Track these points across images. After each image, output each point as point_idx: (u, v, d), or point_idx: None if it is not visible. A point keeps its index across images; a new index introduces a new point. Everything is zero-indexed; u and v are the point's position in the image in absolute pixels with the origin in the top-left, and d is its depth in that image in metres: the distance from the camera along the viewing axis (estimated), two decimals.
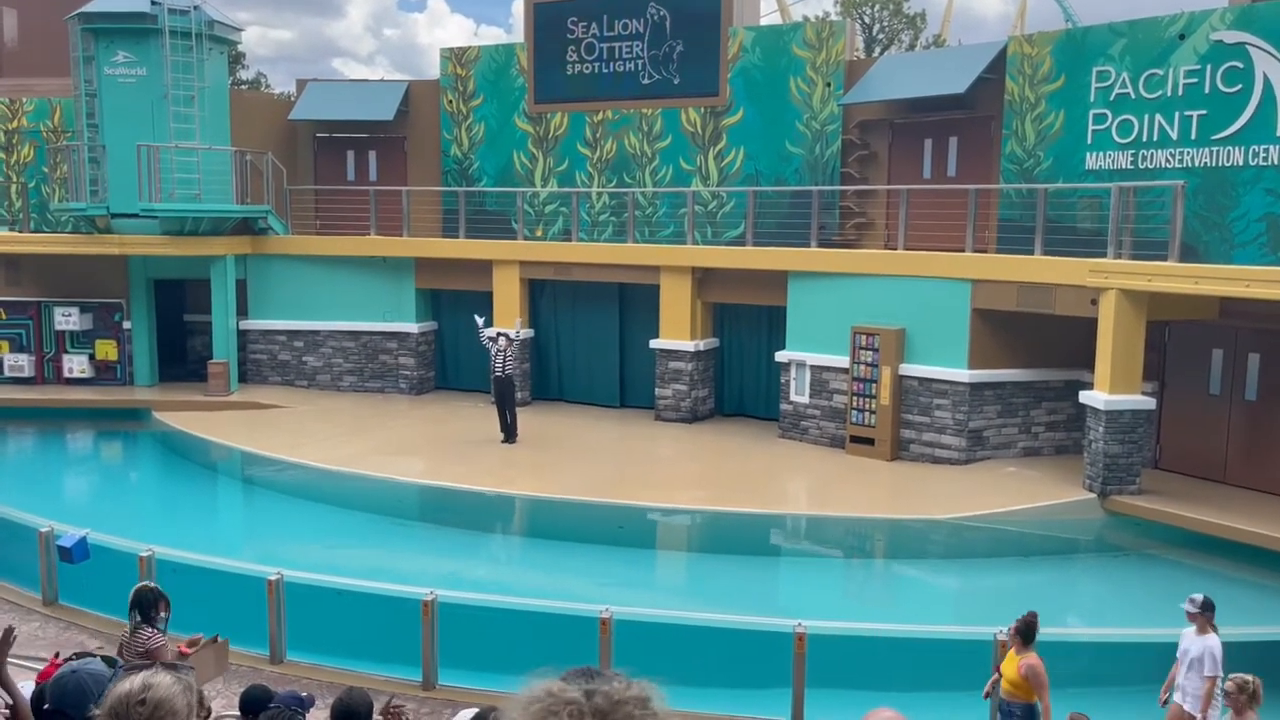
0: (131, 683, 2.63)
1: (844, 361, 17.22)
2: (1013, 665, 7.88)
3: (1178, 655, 8.24)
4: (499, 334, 18.35)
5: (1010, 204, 17.11)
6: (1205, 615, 8.10)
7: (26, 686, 4.99)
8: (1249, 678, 7.18)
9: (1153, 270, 13.73)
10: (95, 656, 3.50)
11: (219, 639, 8.03)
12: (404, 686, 9.87)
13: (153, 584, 7.59)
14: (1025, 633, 7.90)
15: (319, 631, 10.56)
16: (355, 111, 22.73)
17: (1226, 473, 15.01)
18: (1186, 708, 8.08)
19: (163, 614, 7.22)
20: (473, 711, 5.42)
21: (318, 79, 24.94)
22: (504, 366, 17.97)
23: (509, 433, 17.88)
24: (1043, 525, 14.07)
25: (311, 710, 5.95)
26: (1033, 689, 7.77)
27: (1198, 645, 8.04)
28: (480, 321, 18.73)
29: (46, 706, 3.24)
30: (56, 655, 7.29)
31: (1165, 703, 8.38)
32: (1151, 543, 13.80)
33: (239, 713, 6.09)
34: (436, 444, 17.98)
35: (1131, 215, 14.86)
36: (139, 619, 7.10)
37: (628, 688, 1.43)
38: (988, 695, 8.31)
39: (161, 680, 2.62)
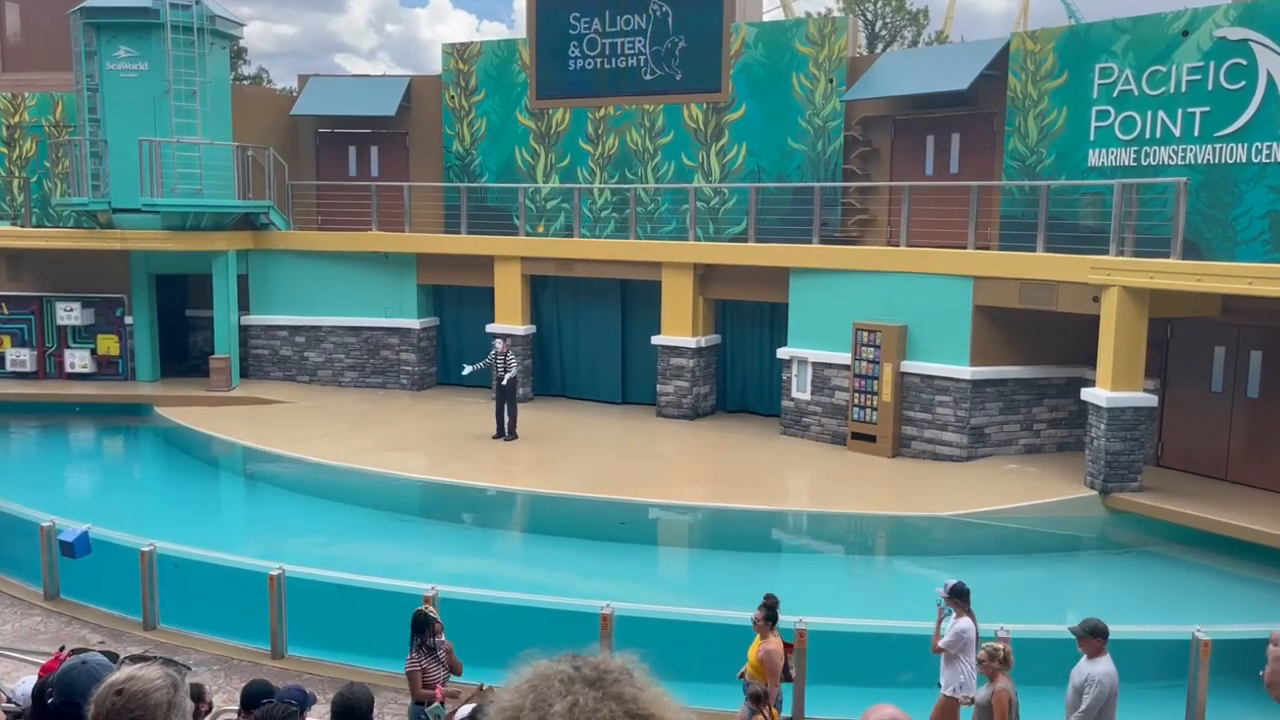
0: (119, 673, 2.67)
1: (846, 358, 17.21)
2: (754, 649, 8.11)
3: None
4: (491, 351, 18.29)
5: (1012, 201, 17.09)
6: (956, 600, 8.29)
7: (29, 681, 4.99)
8: (999, 645, 7.49)
9: (1155, 267, 13.71)
10: (94, 652, 3.50)
11: (483, 688, 8.03)
12: (404, 682, 9.87)
13: (426, 608, 7.68)
14: (770, 617, 8.11)
15: (320, 627, 10.58)
16: (357, 107, 22.72)
17: (1228, 470, 15.00)
18: (949, 693, 8.31)
19: (428, 639, 7.39)
20: (472, 706, 5.43)
21: (319, 74, 24.93)
22: (505, 369, 17.94)
23: (508, 431, 17.88)
24: (1044, 522, 14.06)
25: (313, 705, 5.96)
26: (766, 673, 8.01)
27: (953, 627, 8.24)
28: (467, 370, 18.70)
29: (50, 700, 3.25)
30: (62, 649, 7.30)
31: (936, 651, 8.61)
32: (1153, 540, 13.79)
33: (240, 707, 6.10)
34: (438, 440, 17.98)
35: (1134, 212, 14.84)
36: (416, 642, 7.43)
37: (613, 659, 1.49)
38: (741, 676, 8.43)
39: (146, 674, 2.64)
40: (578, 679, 1.43)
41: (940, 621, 8.34)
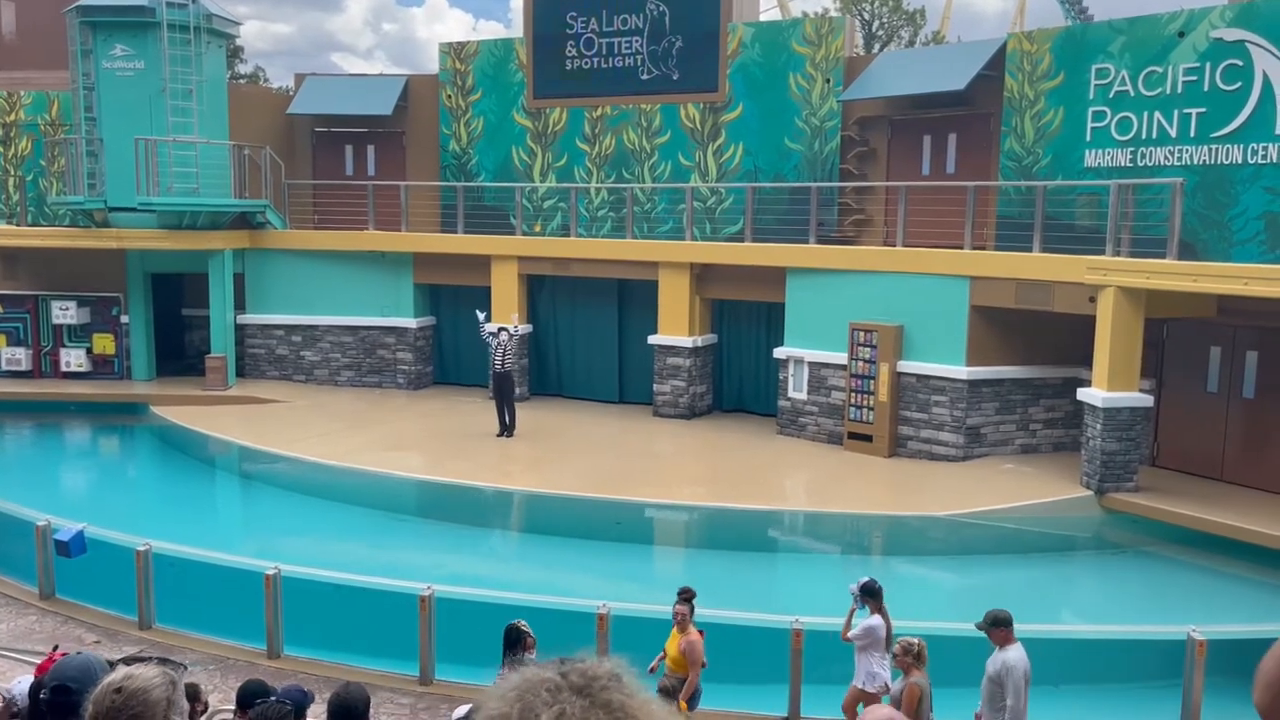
0: (116, 672, 2.67)
1: (842, 358, 17.22)
2: (675, 642, 8.25)
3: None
4: (500, 329, 18.33)
5: (1009, 201, 17.11)
6: (868, 599, 8.50)
7: (24, 680, 4.98)
8: (913, 640, 7.67)
9: (1151, 268, 13.73)
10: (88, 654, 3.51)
11: None
12: (401, 681, 9.89)
13: (519, 623, 7.59)
14: (690, 611, 8.32)
15: (316, 626, 10.56)
16: (354, 106, 22.70)
17: (1224, 470, 15.03)
18: (859, 684, 8.53)
19: (520, 654, 7.30)
20: (469, 706, 5.43)
21: (316, 73, 24.91)
22: (504, 361, 17.97)
23: (508, 427, 17.89)
24: (1040, 522, 14.07)
25: (312, 704, 5.96)
26: (689, 664, 8.18)
27: (864, 624, 8.48)
28: (482, 317, 18.70)
29: (43, 695, 3.25)
30: (55, 648, 7.27)
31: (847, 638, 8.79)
32: (1149, 540, 13.81)
33: (235, 707, 6.09)
34: (434, 439, 17.97)
35: (1130, 213, 14.86)
36: (508, 657, 7.36)
37: (600, 664, 1.46)
38: (653, 670, 8.54)
39: (143, 673, 2.64)
40: (565, 686, 1.41)
41: (852, 613, 8.61)
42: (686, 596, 8.42)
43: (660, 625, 9.09)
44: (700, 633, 8.43)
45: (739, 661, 10.02)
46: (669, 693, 7.83)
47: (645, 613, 9.88)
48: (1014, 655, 7.55)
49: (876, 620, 8.49)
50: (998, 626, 7.64)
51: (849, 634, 8.54)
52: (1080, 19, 26.60)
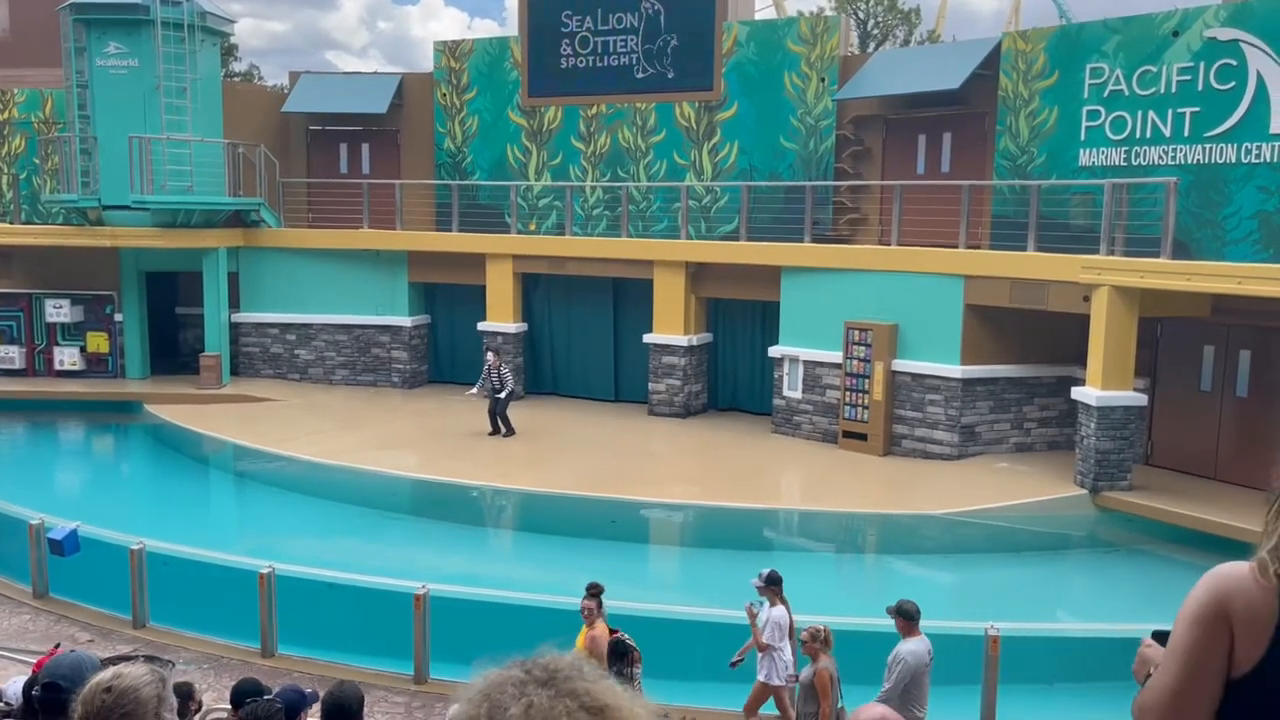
0: (105, 671, 2.67)
1: (837, 357, 17.24)
2: (583, 637, 8.32)
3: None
4: (484, 366, 18.17)
5: (1003, 200, 17.13)
6: (771, 588, 8.56)
7: (18, 680, 4.97)
8: (820, 626, 7.84)
9: (1145, 267, 13.76)
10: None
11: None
12: (396, 680, 9.89)
13: (623, 637, 7.54)
14: (597, 606, 8.38)
15: (311, 625, 10.55)
16: (348, 104, 22.66)
17: (1217, 469, 15.06)
18: (763, 679, 8.58)
19: (625, 669, 7.27)
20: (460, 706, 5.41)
21: (311, 71, 24.86)
22: (500, 383, 17.88)
23: (505, 428, 17.88)
24: (1034, 521, 14.10)
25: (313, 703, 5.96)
26: (594, 658, 8.06)
27: (765, 617, 8.52)
28: (472, 392, 18.47)
29: (35, 693, 3.25)
30: (57, 646, 7.25)
31: (736, 664, 8.84)
32: (1143, 538, 13.84)
33: (229, 706, 6.08)
34: (429, 438, 17.96)
35: (1124, 212, 14.89)
36: (613, 670, 7.21)
37: (562, 657, 1.50)
38: None
39: (133, 671, 2.64)
40: (529, 681, 1.44)
41: (754, 619, 8.58)
42: (594, 592, 8.45)
43: (658, 624, 9.11)
44: (613, 631, 8.41)
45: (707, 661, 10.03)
46: None
47: (640, 612, 9.88)
48: (908, 648, 7.73)
49: (780, 611, 8.56)
50: (901, 617, 7.84)
51: (762, 637, 8.49)
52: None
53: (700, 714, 9.18)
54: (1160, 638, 2.49)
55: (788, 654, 8.50)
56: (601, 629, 8.31)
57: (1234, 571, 2.20)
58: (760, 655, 8.55)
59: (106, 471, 18.91)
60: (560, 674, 1.46)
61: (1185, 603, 2.21)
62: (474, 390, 18.45)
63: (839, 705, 7.77)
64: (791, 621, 8.56)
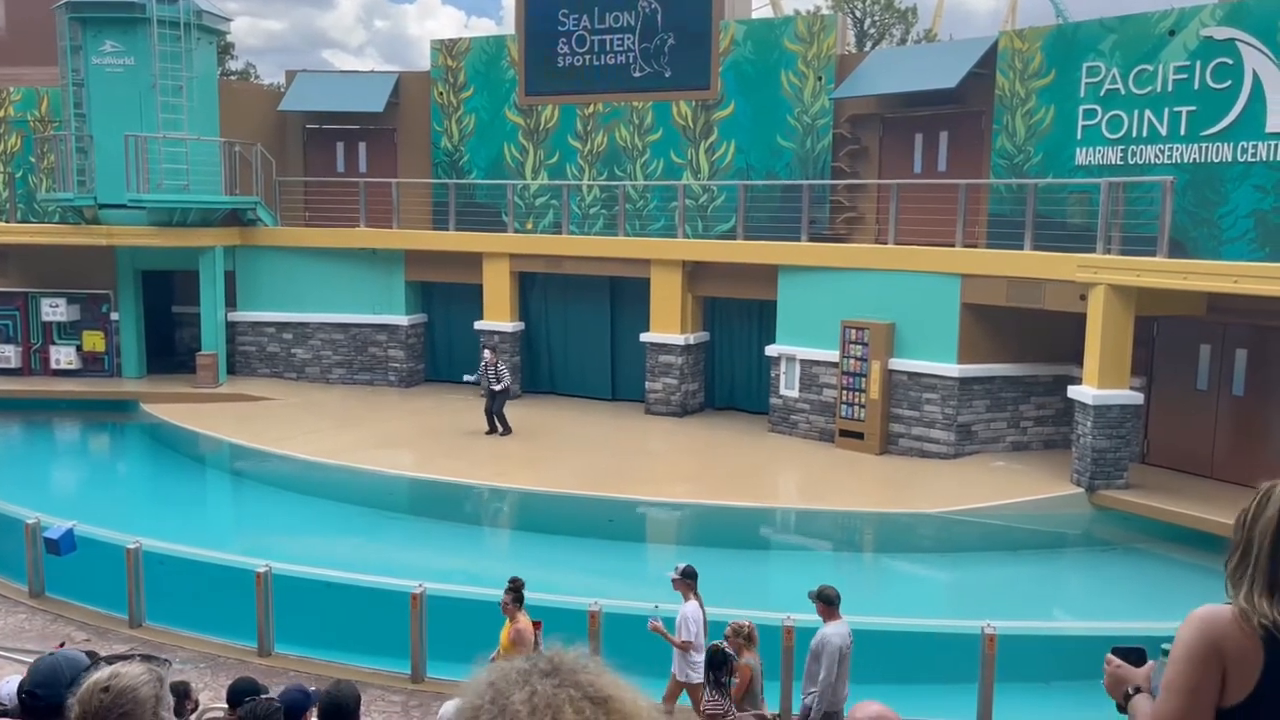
0: (102, 671, 2.66)
1: (834, 356, 17.25)
2: (506, 631, 8.42)
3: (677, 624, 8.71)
4: (480, 362, 18.18)
5: (1000, 199, 17.14)
6: (685, 582, 8.61)
7: (13, 680, 4.96)
8: (744, 623, 7.88)
9: (1141, 266, 13.78)
10: (79, 651, 3.51)
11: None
12: (392, 679, 9.89)
13: (723, 645, 7.47)
14: (517, 599, 8.45)
15: (307, 624, 10.54)
16: (345, 103, 22.64)
17: (1213, 467, 15.09)
18: (679, 675, 8.66)
19: (723, 677, 7.26)
20: (459, 702, 5.41)
21: (307, 70, 24.84)
22: (496, 379, 17.89)
23: (501, 426, 17.89)
24: (1030, 519, 14.12)
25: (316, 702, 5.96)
26: (519, 652, 8.18)
27: (681, 612, 8.55)
28: (468, 379, 18.60)
29: (23, 697, 3.25)
30: (61, 645, 7.24)
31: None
32: (1139, 537, 13.86)
33: (226, 705, 6.08)
34: (426, 436, 17.95)
35: (1121, 211, 14.91)
36: (712, 678, 7.30)
37: (567, 651, 1.53)
38: (495, 659, 8.56)
39: (130, 670, 2.63)
40: (534, 671, 1.47)
41: (661, 631, 8.59)
42: (512, 587, 8.52)
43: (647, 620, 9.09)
44: (537, 623, 8.54)
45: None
46: None
47: (638, 610, 9.88)
48: (832, 630, 7.84)
49: (693, 606, 8.60)
50: (822, 602, 7.95)
51: (684, 636, 8.50)
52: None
53: (695, 713, 9.18)
54: (1120, 653, 2.82)
55: (702, 651, 8.50)
56: (524, 622, 8.41)
57: (1220, 616, 2.46)
58: (676, 652, 8.59)
59: (103, 470, 18.89)
60: (565, 665, 1.48)
61: (1178, 643, 2.50)
62: (471, 377, 18.44)
63: (760, 701, 7.85)
64: (704, 616, 8.61)
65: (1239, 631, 2.43)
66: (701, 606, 8.62)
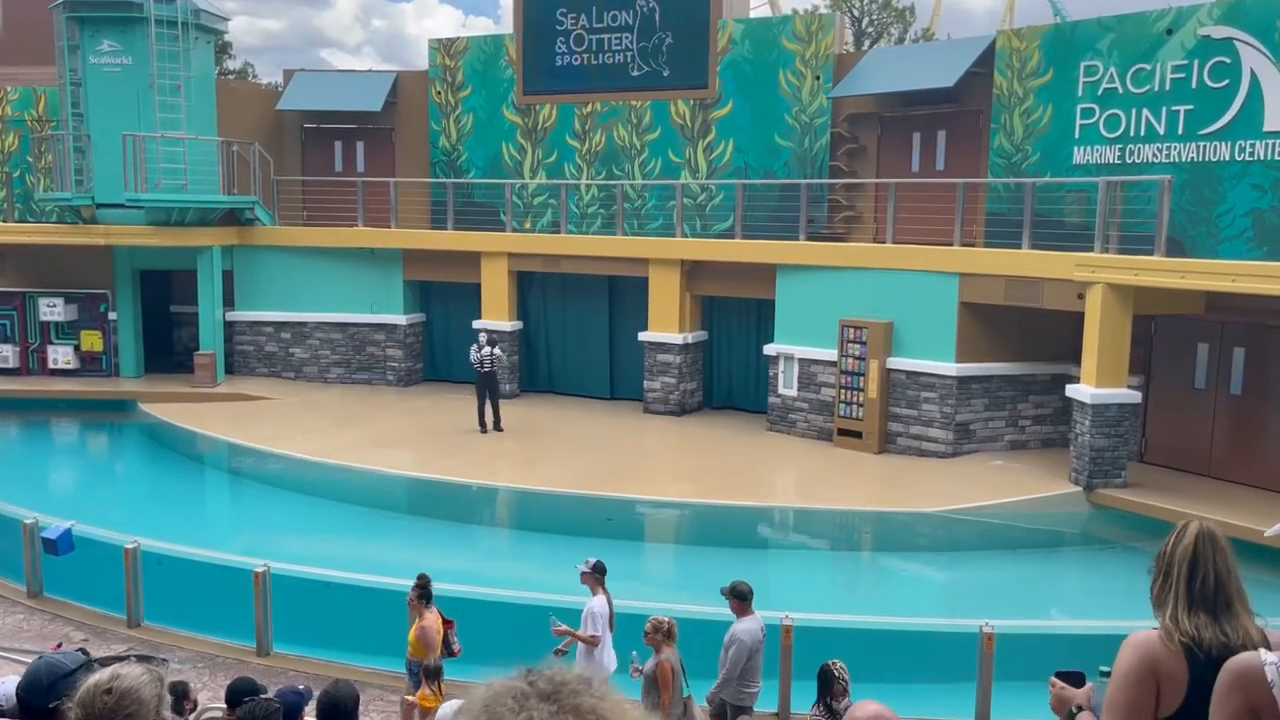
0: (102, 673, 2.65)
1: (832, 355, 17.26)
2: (414, 631, 8.44)
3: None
4: (479, 351, 18.10)
5: (998, 198, 17.15)
6: (594, 576, 8.68)
7: (11, 680, 4.96)
8: (663, 619, 7.86)
9: (1139, 265, 13.79)
10: (77, 652, 3.50)
11: None
12: (391, 679, 9.88)
13: (834, 666, 7.20)
14: (423, 595, 8.49)
15: (306, 624, 10.54)
16: (343, 102, 22.63)
17: (1211, 466, 15.10)
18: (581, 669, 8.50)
19: (829, 700, 7.12)
20: (457, 704, 5.43)
21: (305, 69, 24.82)
22: (492, 364, 17.91)
23: (493, 424, 17.89)
24: (1029, 518, 14.13)
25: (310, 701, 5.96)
26: (425, 648, 8.38)
27: (586, 607, 8.62)
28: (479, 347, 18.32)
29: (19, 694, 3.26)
30: (59, 645, 7.23)
31: (562, 653, 8.92)
32: (1137, 535, 13.86)
33: (225, 705, 6.08)
34: (424, 436, 17.94)
35: (1118, 210, 14.92)
36: (822, 698, 7.18)
37: (568, 670, 1.46)
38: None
39: (130, 671, 2.63)
40: (532, 694, 1.39)
41: (564, 630, 8.62)
42: (419, 583, 8.56)
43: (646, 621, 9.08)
44: (449, 622, 8.56)
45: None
46: (430, 673, 8.01)
47: (636, 610, 9.88)
48: (743, 627, 7.91)
49: (600, 601, 8.66)
50: (736, 598, 8.01)
51: (588, 632, 8.55)
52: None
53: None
54: (1064, 677, 3.28)
55: (609, 645, 8.63)
56: (430, 619, 8.43)
57: (1152, 639, 2.85)
58: (581, 647, 8.62)
59: (101, 470, 18.88)
60: (566, 688, 1.41)
61: (1117, 667, 2.87)
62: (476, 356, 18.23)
63: (684, 696, 7.86)
64: (611, 611, 8.67)
65: (1167, 652, 2.80)
66: (609, 601, 8.70)
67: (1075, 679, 3.33)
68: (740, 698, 7.93)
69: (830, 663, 7.18)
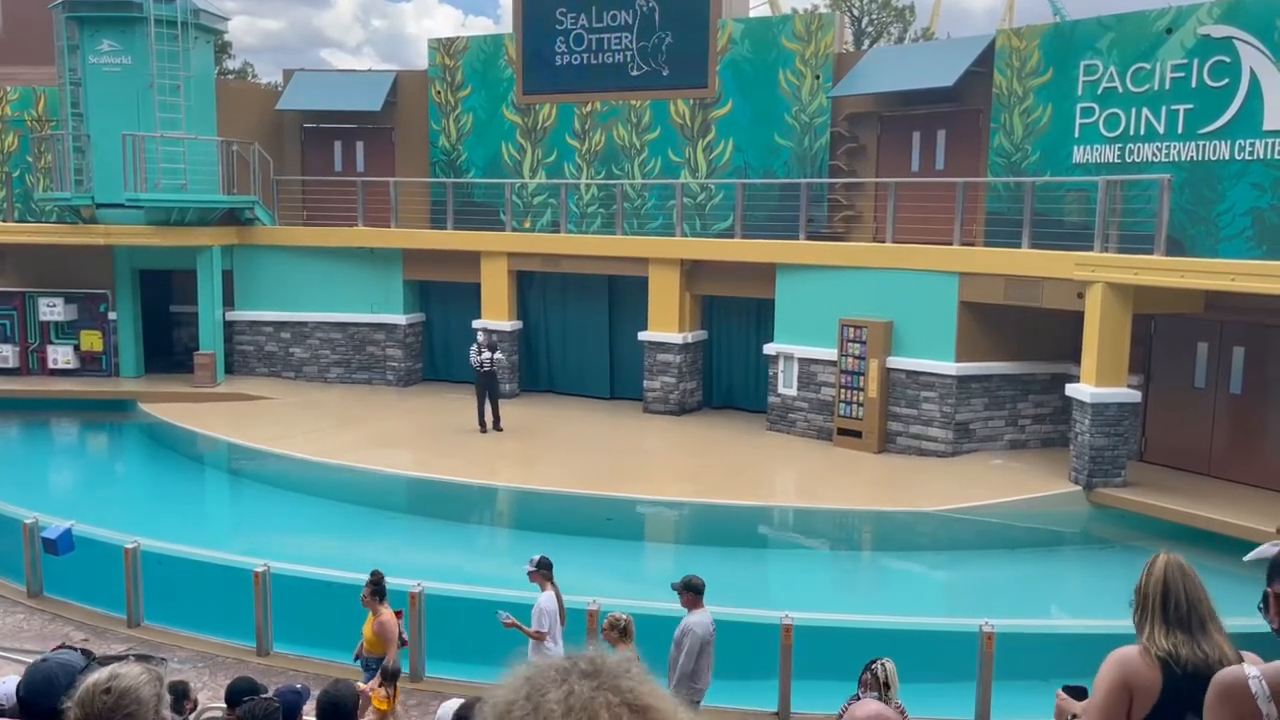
0: (100, 673, 2.65)
1: (832, 354, 17.26)
2: (369, 624, 8.49)
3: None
4: (479, 351, 18.10)
5: (998, 197, 17.15)
6: (541, 573, 8.77)
7: (11, 679, 4.96)
8: (620, 616, 7.86)
9: (1139, 264, 13.79)
10: (73, 649, 3.50)
11: None
12: None
13: (882, 661, 7.02)
14: (377, 592, 8.56)
15: (306, 624, 10.54)
16: (343, 102, 22.62)
17: (1211, 465, 15.10)
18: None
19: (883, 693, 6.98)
20: (459, 702, 5.43)
21: (305, 69, 24.82)
22: (491, 363, 17.92)
23: (493, 424, 17.89)
24: (1028, 517, 14.13)
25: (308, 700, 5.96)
26: (383, 643, 8.41)
27: (537, 603, 8.71)
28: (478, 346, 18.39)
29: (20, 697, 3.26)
30: (59, 646, 7.22)
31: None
32: (1136, 535, 13.86)
33: (225, 705, 6.08)
34: (424, 435, 17.95)
35: (1118, 209, 14.92)
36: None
37: (609, 655, 1.49)
38: (357, 657, 8.81)
39: (129, 671, 2.63)
40: (574, 671, 1.43)
41: (513, 623, 8.71)
42: (372, 580, 8.61)
43: (651, 621, 9.10)
44: (398, 613, 8.65)
45: (729, 657, 10.03)
46: (394, 675, 8.04)
47: (636, 609, 9.89)
48: (694, 619, 7.97)
49: (549, 597, 8.72)
50: (691, 592, 8.09)
51: (538, 626, 8.62)
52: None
53: (698, 712, 9.18)
54: (1070, 691, 3.81)
55: (558, 640, 8.69)
56: (386, 614, 8.49)
57: (1129, 654, 3.27)
58: (531, 642, 8.68)
59: (101, 470, 18.88)
60: (607, 669, 1.44)
61: (1098, 678, 3.29)
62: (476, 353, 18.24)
63: None
64: (561, 606, 8.74)
65: (1143, 665, 3.20)
66: (558, 597, 8.77)
67: (1078, 693, 3.77)
68: (691, 694, 7.95)
69: (879, 660, 6.98)
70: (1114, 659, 3.26)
